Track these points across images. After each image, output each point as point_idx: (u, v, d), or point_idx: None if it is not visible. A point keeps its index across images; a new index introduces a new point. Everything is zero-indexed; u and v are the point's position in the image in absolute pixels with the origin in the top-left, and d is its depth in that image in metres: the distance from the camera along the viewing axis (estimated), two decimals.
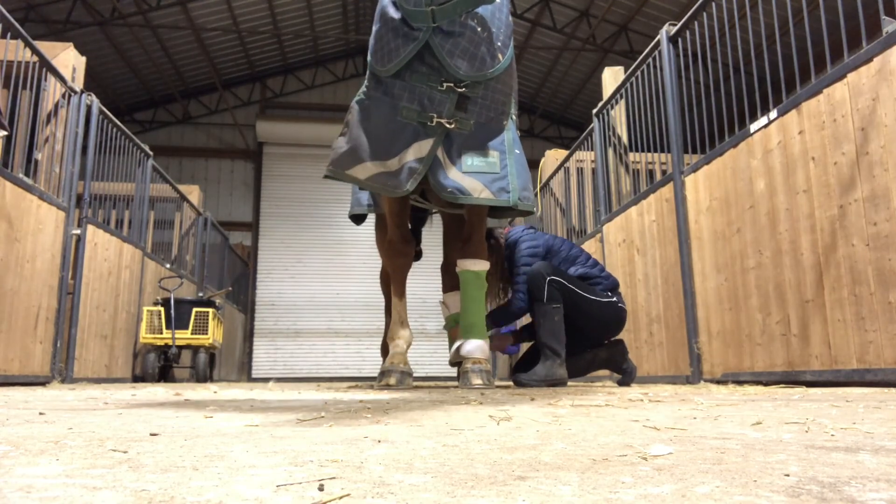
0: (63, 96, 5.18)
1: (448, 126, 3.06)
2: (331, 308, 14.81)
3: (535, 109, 16.24)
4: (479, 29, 2.98)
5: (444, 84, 3.02)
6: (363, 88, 3.25)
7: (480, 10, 2.97)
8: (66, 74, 5.22)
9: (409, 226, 4.24)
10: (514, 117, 3.33)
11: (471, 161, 3.10)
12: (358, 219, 4.17)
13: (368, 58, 3.19)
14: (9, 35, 4.27)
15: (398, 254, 3.65)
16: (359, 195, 4.09)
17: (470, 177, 3.08)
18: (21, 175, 4.47)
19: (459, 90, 3.04)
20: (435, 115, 3.04)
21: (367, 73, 3.23)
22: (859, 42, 2.71)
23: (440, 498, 0.61)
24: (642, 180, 5.62)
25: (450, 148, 3.11)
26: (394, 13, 2.99)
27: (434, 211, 4.13)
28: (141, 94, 14.87)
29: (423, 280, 11.62)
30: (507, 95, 3.26)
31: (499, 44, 3.07)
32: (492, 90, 3.14)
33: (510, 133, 3.25)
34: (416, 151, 3.06)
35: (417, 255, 4.26)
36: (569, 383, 3.97)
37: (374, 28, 3.13)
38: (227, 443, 1.00)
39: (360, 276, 14.49)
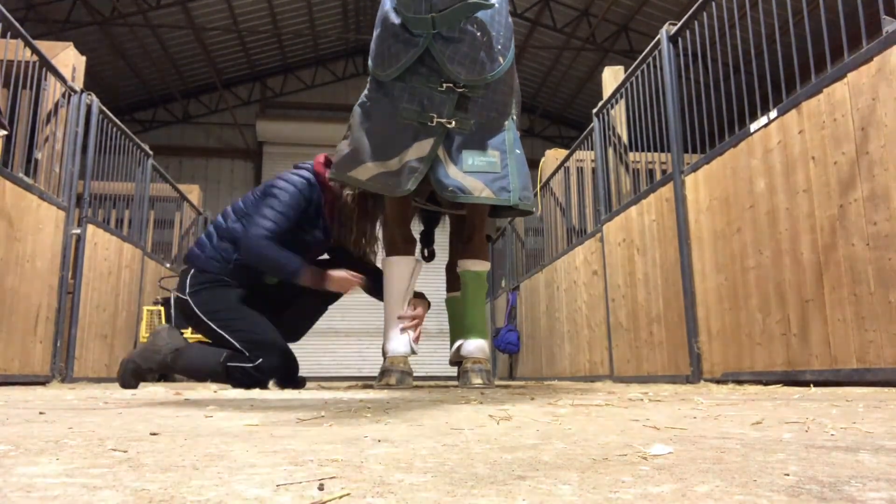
0: (63, 96, 5.18)
1: (448, 126, 3.06)
2: (331, 307, 14.78)
3: (535, 109, 16.23)
4: (478, 34, 2.98)
5: (444, 85, 3.02)
6: (365, 92, 3.26)
7: (480, 14, 2.96)
8: (66, 74, 5.21)
9: (424, 227, 4.25)
10: (514, 117, 3.33)
11: (472, 160, 3.10)
12: None
13: (369, 62, 3.19)
14: (9, 34, 4.27)
15: (400, 252, 3.65)
16: None
17: (471, 176, 3.08)
18: (21, 174, 4.47)
19: (459, 90, 3.04)
20: (435, 115, 3.04)
21: (369, 76, 3.23)
22: (859, 42, 2.71)
23: (440, 497, 0.61)
24: (642, 180, 5.62)
25: (451, 147, 3.11)
26: (395, 18, 2.98)
27: (445, 212, 4.14)
28: (141, 93, 14.87)
29: (423, 280, 11.60)
30: (507, 96, 3.25)
31: (499, 47, 3.07)
32: (493, 91, 3.14)
33: (510, 133, 3.24)
34: (417, 151, 3.06)
35: (430, 256, 4.27)
36: (568, 384, 3.96)
37: (375, 32, 3.13)
38: (227, 442, 1.00)
39: None
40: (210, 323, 3.54)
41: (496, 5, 3.02)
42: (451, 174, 3.08)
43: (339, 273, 3.51)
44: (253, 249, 3.39)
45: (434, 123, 3.04)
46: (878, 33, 2.63)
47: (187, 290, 3.62)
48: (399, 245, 3.66)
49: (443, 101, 3.04)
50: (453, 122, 3.06)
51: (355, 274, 3.56)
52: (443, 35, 2.90)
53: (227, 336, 3.52)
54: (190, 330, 4.55)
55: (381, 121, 3.12)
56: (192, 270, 3.66)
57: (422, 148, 3.06)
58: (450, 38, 2.91)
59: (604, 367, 5.37)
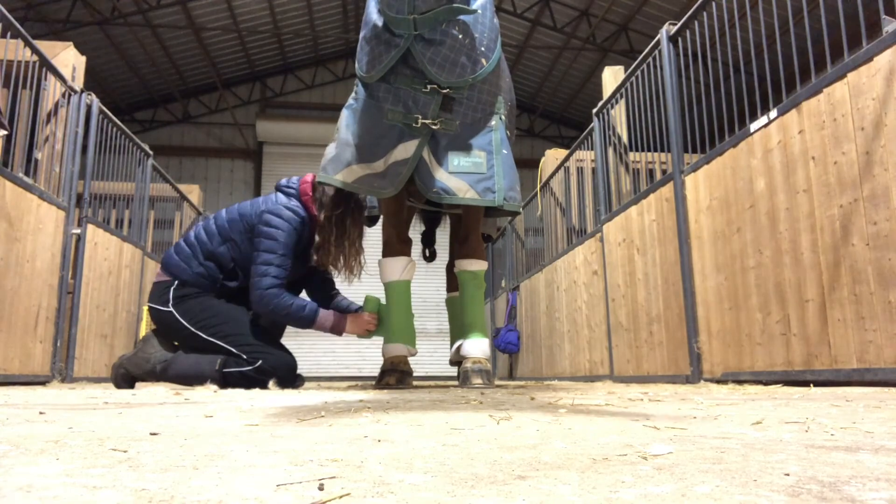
0: (63, 96, 5.18)
1: (433, 127, 3.07)
2: None
3: (535, 109, 16.23)
4: (460, 36, 2.98)
5: (429, 86, 3.03)
6: (352, 94, 3.27)
7: (462, 17, 2.96)
8: (66, 74, 5.21)
9: (426, 228, 4.27)
10: (503, 118, 3.33)
11: (457, 161, 3.12)
12: (371, 220, 4.17)
13: (355, 64, 3.20)
14: (9, 34, 4.27)
15: (395, 253, 3.66)
16: (369, 197, 4.11)
17: (456, 177, 3.09)
18: (21, 174, 4.47)
19: (443, 91, 3.05)
20: (419, 117, 3.05)
21: (356, 78, 3.25)
22: (859, 42, 2.71)
23: (440, 497, 0.61)
24: (642, 180, 5.61)
25: (436, 148, 3.13)
26: (377, 20, 2.99)
27: (444, 212, 4.15)
28: (141, 93, 14.86)
29: (423, 280, 11.63)
30: (494, 96, 3.25)
31: (482, 48, 3.07)
32: (478, 91, 3.15)
33: (498, 133, 3.25)
34: (402, 152, 3.08)
35: (432, 256, 4.28)
36: (568, 384, 3.96)
37: (361, 34, 3.14)
38: (227, 442, 1.00)
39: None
40: (200, 333, 3.52)
41: (478, 11, 3.03)
42: (436, 175, 3.09)
43: (355, 317, 3.63)
44: (265, 304, 3.39)
45: (419, 125, 3.05)
46: (878, 33, 2.63)
47: (171, 303, 3.60)
48: (394, 245, 3.68)
49: (427, 102, 3.04)
50: (438, 124, 3.07)
51: (371, 316, 3.65)
52: (424, 37, 2.91)
53: (220, 343, 3.50)
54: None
55: (366, 123, 3.13)
56: (175, 283, 3.64)
57: (407, 149, 3.07)
58: (431, 40, 2.91)
59: (604, 367, 5.37)
